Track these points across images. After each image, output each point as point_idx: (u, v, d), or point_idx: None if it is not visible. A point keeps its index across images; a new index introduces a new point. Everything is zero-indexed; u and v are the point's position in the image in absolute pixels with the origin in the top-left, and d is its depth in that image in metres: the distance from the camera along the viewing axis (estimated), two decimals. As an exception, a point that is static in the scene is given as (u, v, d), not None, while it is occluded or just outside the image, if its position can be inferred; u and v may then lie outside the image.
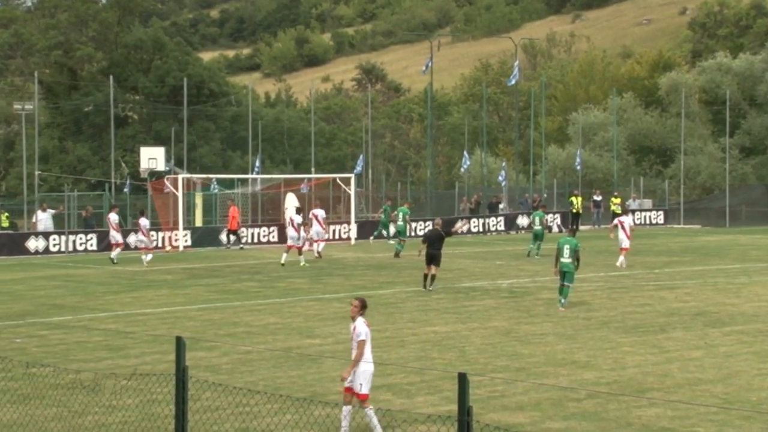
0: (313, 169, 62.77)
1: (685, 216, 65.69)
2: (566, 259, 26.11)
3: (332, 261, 40.45)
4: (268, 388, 16.49)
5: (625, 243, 36.62)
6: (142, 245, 40.17)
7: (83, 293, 30.55)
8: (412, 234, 49.68)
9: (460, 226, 45.62)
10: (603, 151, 74.77)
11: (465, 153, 67.38)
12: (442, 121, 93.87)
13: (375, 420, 13.84)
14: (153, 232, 44.36)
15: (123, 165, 65.48)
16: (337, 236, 51.03)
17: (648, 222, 64.04)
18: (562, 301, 26.16)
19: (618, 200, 58.47)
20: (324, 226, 42.63)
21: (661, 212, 65.44)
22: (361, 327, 14.01)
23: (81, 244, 45.81)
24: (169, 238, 47.05)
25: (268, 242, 49.79)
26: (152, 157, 55.00)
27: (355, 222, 52.16)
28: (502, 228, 58.74)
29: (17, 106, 56.34)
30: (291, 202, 50.94)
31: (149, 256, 39.14)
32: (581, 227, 54.96)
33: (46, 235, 45.58)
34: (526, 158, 75.01)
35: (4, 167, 79.09)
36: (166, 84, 74.18)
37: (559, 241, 26.91)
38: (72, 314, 26.11)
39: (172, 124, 69.44)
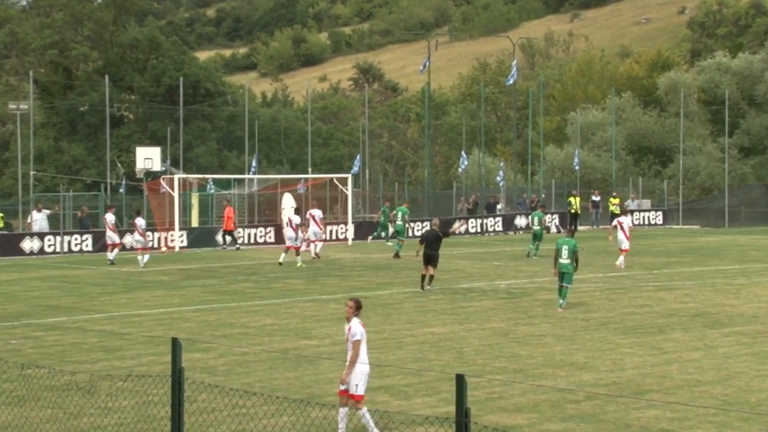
0: (310, 169, 62.69)
1: (684, 216, 65.61)
2: (565, 259, 26.00)
3: (329, 262, 40.35)
4: (265, 390, 16.41)
5: (625, 244, 36.54)
6: (139, 245, 40.10)
7: (78, 294, 30.45)
8: (410, 234, 49.63)
9: (458, 226, 45.56)
10: (601, 151, 74.72)
11: (463, 153, 67.25)
12: (440, 121, 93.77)
13: (371, 421, 13.77)
14: (149, 233, 44.27)
15: (119, 165, 65.36)
16: (334, 237, 50.95)
17: (647, 222, 63.95)
18: (561, 302, 26.06)
19: (617, 200, 58.41)
20: (321, 227, 42.55)
21: (659, 212, 65.35)
22: (356, 327, 13.95)
23: (76, 245, 45.68)
24: (165, 238, 46.93)
25: (265, 243, 49.68)
26: (148, 157, 54.99)
27: (353, 222, 52.06)
28: (500, 228, 58.64)
29: (12, 105, 56.22)
30: (288, 202, 50.89)
31: (146, 257, 39.04)
32: (579, 228, 54.93)
33: (41, 235, 45.44)
34: (524, 158, 74.97)
35: (-1, 167, 79.03)
36: (162, 83, 74.08)
37: (557, 241, 26.81)
38: (67, 315, 26.00)
39: (168, 123, 69.33)
